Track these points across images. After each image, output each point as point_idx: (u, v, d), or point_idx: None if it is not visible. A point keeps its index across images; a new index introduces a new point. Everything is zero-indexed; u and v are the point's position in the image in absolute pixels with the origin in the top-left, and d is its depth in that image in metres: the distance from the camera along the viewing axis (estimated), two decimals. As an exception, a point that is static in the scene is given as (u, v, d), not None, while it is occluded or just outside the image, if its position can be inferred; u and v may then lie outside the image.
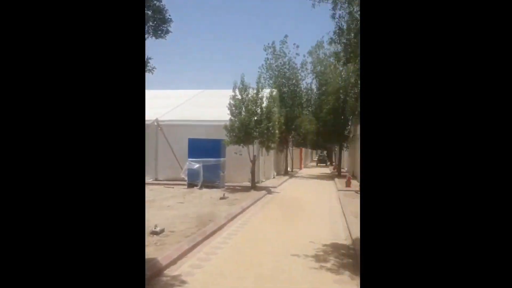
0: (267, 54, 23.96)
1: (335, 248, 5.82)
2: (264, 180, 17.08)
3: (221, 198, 10.57)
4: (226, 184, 14.18)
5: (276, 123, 13.50)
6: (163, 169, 15.54)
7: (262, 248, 5.69)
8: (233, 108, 13.09)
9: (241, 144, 13.12)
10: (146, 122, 15.50)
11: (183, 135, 14.11)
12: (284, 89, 23.12)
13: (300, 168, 30.44)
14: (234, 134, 12.85)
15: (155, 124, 15.70)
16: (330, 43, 5.54)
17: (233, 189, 13.12)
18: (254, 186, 13.35)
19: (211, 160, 13.09)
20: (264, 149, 14.16)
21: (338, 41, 5.40)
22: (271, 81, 23.58)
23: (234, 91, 13.25)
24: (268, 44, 24.50)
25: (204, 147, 13.17)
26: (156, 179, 15.45)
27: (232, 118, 13.05)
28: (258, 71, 24.23)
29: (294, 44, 30.79)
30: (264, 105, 13.31)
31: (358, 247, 5.69)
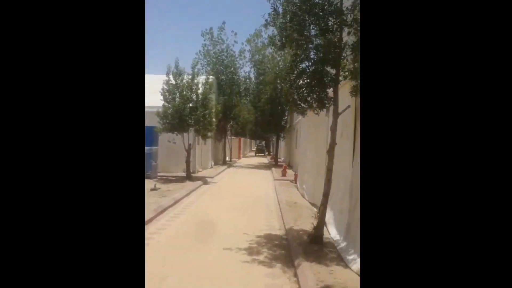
0: (204, 40, 23.18)
1: (269, 239, 5.67)
2: (201, 170, 16.57)
3: (151, 190, 9.90)
4: (159, 174, 13.42)
5: (213, 110, 13.04)
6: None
7: (193, 243, 5.32)
8: (167, 94, 12.32)
9: (175, 132, 12.44)
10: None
11: None
12: (222, 77, 22.61)
13: (239, 158, 30.37)
14: (167, 121, 12.12)
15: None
16: (265, 26, 5.24)
17: (166, 180, 12.45)
18: (189, 177, 12.80)
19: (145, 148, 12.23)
20: (200, 138, 13.61)
21: (273, 24, 5.15)
22: (208, 68, 22.90)
23: (167, 76, 12.45)
24: (206, 30, 23.67)
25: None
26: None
27: (166, 104, 12.29)
28: (195, 57, 23.35)
29: (232, 31, 30.37)
30: (200, 91, 12.75)
31: (290, 237, 5.61)
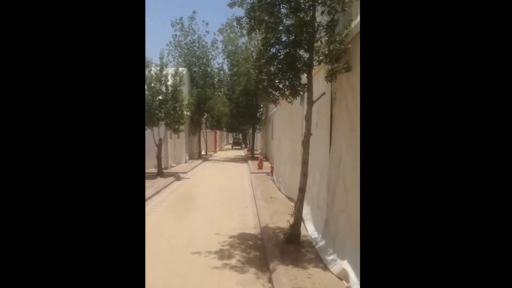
0: (175, 31, 22.36)
1: (242, 239, 5.25)
2: (174, 165, 15.92)
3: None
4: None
5: (184, 103, 12.40)
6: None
7: (157, 247, 4.82)
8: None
9: (145, 127, 11.76)
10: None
11: None
12: (195, 69, 21.86)
13: (215, 151, 29.75)
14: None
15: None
16: (231, 6, 4.73)
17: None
18: (161, 173, 12.18)
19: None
20: (172, 132, 12.96)
21: (240, 3, 4.66)
22: (180, 60, 22.07)
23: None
24: (176, 20, 22.74)
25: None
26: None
27: (133, 97, 11.58)
28: (166, 48, 22.43)
29: (203, 21, 29.39)
30: (169, 83, 12.08)
31: (266, 236, 5.22)
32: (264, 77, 4.81)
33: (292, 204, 7.42)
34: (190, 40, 22.07)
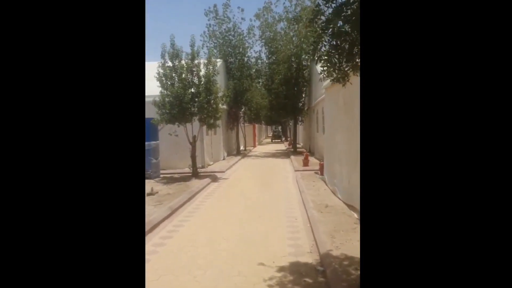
0: (208, 20, 21.14)
1: (297, 274, 3.78)
2: (211, 163, 14.79)
3: (148, 194, 8.16)
4: (163, 172, 11.71)
5: (219, 95, 11.07)
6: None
7: (179, 285, 3.49)
8: (163, 79, 10.44)
9: (176, 123, 10.61)
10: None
11: None
12: (231, 59, 20.58)
13: (254, 146, 28.48)
14: (165, 110, 10.28)
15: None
16: None
17: (170, 179, 10.71)
18: (196, 173, 11.02)
19: (140, 145, 10.46)
20: (207, 128, 11.72)
21: None
22: (215, 51, 20.89)
23: (163, 57, 10.55)
24: (210, 8, 21.53)
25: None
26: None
27: (163, 91, 10.43)
28: (200, 40, 21.32)
29: (239, 7, 27.91)
30: (202, 73, 10.80)
31: (330, 270, 3.70)
32: (326, 39, 3.24)
33: (356, 215, 5.81)
34: (225, 29, 20.80)
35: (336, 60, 3.36)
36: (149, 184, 9.36)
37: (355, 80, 6.60)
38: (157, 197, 7.96)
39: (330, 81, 3.97)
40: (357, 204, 5.97)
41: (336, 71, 3.42)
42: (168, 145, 12.05)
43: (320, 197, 7.45)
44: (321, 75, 4.01)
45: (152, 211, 6.55)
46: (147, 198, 7.81)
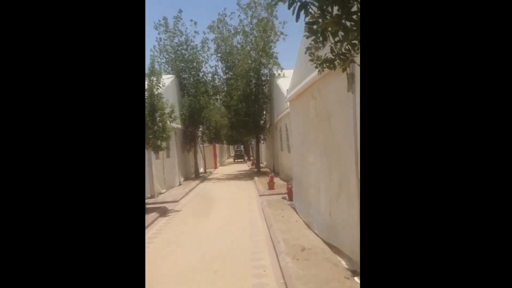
0: (159, 34, 19.49)
1: None
2: (164, 191, 12.84)
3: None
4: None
5: (166, 111, 9.35)
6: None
7: None
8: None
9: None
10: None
11: None
12: (184, 75, 18.96)
13: (215, 167, 26.62)
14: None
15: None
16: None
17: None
18: (140, 207, 9.08)
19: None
20: (152, 151, 9.85)
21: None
22: (167, 66, 19.20)
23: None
24: (159, 21, 19.90)
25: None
26: None
27: (96, 109, 8.55)
28: (150, 54, 19.65)
29: (191, 20, 26.53)
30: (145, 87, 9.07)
31: None
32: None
33: (344, 263, 4.31)
34: (177, 43, 19.23)
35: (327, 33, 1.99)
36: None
37: (331, 83, 5.08)
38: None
39: (321, 66, 2.52)
40: (343, 245, 4.48)
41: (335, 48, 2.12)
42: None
43: (293, 233, 5.90)
44: (313, 62, 2.58)
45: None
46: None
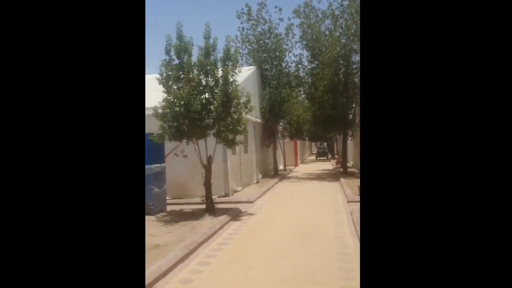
0: (241, 23, 18.71)
1: None
2: (240, 189, 11.88)
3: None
4: (173, 202, 9.03)
5: (241, 100, 8.20)
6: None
7: None
8: (164, 81, 7.84)
9: (185, 139, 7.89)
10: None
11: None
12: (267, 66, 17.86)
13: (296, 165, 25.17)
14: (169, 122, 7.63)
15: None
16: None
17: (177, 215, 7.94)
18: (210, 208, 8.12)
19: (138, 169, 7.85)
20: (225, 146, 8.84)
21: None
22: (249, 57, 18.34)
23: (168, 53, 8.00)
24: (242, 9, 19.12)
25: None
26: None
27: (168, 97, 7.80)
28: (232, 46, 19.09)
29: (276, 7, 25.21)
30: (219, 74, 8.06)
31: None
32: None
33: None
34: (260, 32, 18.22)
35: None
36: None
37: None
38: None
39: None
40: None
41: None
42: (182, 168, 9.38)
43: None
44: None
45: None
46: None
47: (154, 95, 8.10)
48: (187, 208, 8.74)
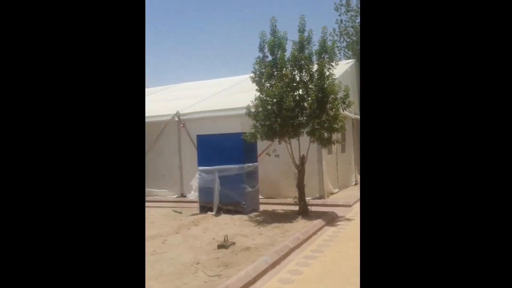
0: (340, 15, 17.75)
1: None
2: (336, 191, 11.15)
3: (220, 246, 5.38)
4: (266, 202, 8.90)
5: (338, 96, 7.55)
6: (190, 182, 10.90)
7: None
8: (257, 78, 7.69)
9: (277, 139, 7.64)
10: (164, 118, 11.39)
11: (212, 130, 9.09)
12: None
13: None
14: (261, 121, 7.47)
15: (176, 119, 11.27)
16: None
17: (270, 215, 7.75)
18: (304, 210, 7.69)
19: (232, 168, 7.92)
20: (320, 145, 8.27)
21: None
22: (347, 51, 17.31)
23: (261, 50, 7.85)
24: (341, 1, 18.06)
25: (223, 148, 8.08)
26: (182, 195, 11.05)
27: (261, 95, 7.66)
28: (330, 39, 18.29)
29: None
30: (315, 68, 7.57)
31: None
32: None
33: None
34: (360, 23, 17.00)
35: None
36: (241, 221, 6.67)
37: None
38: (229, 253, 5.08)
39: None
40: None
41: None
42: (275, 167, 9.20)
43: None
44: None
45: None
46: (210, 254, 5.03)
47: (248, 94, 8.06)
48: (280, 209, 8.48)
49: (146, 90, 13.62)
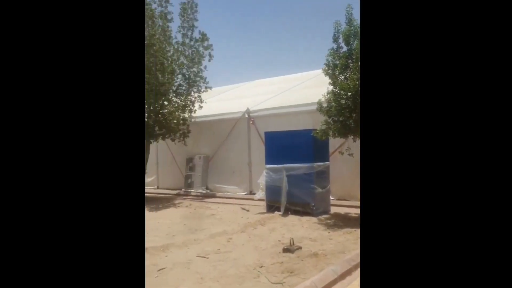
0: None
1: None
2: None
3: (285, 250, 5.05)
4: (337, 204, 8.30)
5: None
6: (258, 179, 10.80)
7: None
8: (331, 71, 7.14)
9: (351, 136, 7.01)
10: (235, 115, 11.46)
11: (283, 127, 8.86)
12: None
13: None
14: (334, 117, 6.92)
15: (246, 116, 11.25)
16: None
17: (341, 219, 7.17)
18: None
19: (301, 166, 7.51)
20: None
21: None
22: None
23: (336, 41, 7.28)
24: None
25: (292, 145, 7.72)
26: (251, 192, 11.01)
27: (334, 89, 7.11)
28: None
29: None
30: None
31: None
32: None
33: None
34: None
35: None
36: (304, 225, 6.28)
37: None
38: (294, 258, 4.73)
39: None
40: None
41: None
42: (348, 167, 8.53)
43: None
44: None
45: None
46: (275, 257, 4.72)
47: (321, 90, 7.57)
48: (353, 212, 7.82)
49: (214, 89, 13.79)
